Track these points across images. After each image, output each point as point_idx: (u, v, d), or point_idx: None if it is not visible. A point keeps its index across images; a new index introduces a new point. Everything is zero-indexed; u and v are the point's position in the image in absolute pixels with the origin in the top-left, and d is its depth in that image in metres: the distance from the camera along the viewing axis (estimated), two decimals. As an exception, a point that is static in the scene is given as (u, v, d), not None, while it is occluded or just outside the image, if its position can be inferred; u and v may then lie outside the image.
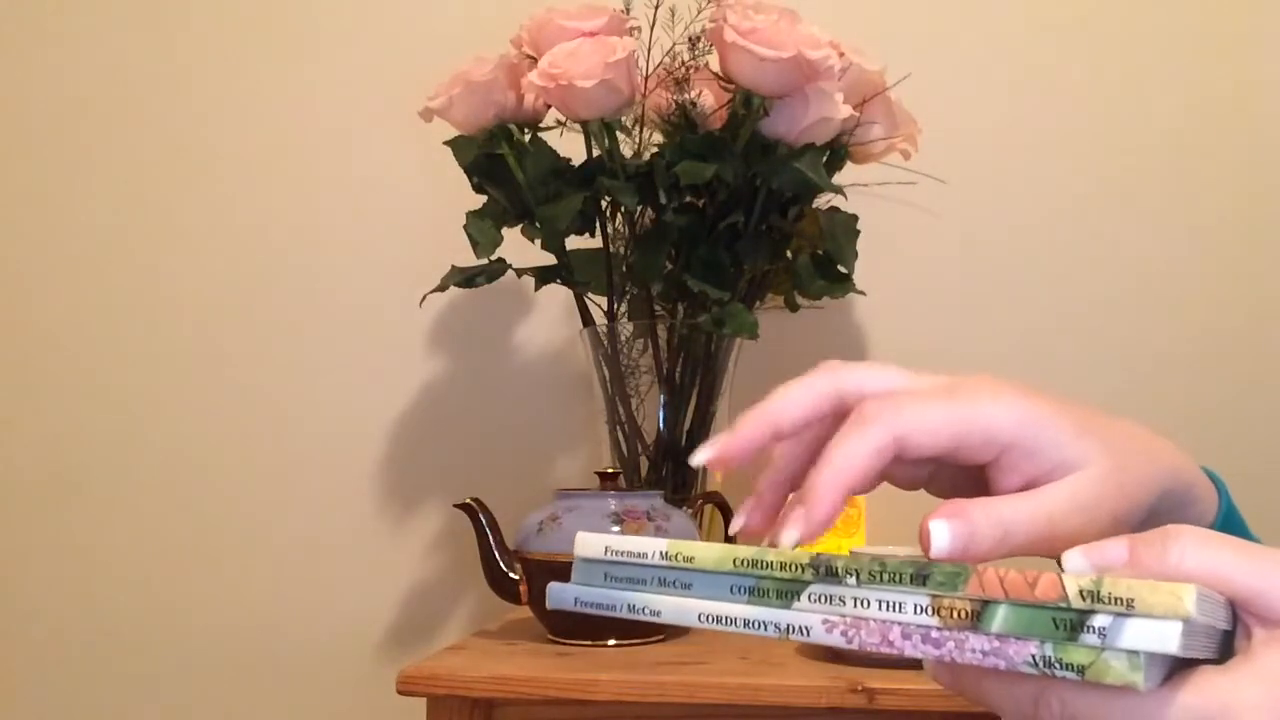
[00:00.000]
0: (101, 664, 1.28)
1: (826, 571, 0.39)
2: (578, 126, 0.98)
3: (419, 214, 1.25)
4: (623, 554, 0.43)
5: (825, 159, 0.98)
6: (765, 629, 0.39)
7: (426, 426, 1.26)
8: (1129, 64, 1.20)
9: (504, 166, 0.99)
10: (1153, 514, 0.43)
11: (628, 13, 0.98)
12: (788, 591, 0.39)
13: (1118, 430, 0.43)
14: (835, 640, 0.38)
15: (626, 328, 1.03)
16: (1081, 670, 0.34)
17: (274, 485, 1.27)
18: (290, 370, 1.28)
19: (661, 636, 0.93)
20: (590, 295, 1.04)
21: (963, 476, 0.44)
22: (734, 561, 0.40)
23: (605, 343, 1.03)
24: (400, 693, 0.82)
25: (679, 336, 1.02)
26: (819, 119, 0.93)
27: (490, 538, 0.92)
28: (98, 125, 1.32)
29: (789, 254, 1.03)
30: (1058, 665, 0.34)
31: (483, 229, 0.98)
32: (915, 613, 0.37)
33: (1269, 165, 1.18)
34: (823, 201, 1.03)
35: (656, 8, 0.99)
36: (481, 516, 0.93)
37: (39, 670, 1.30)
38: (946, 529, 0.39)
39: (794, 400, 0.44)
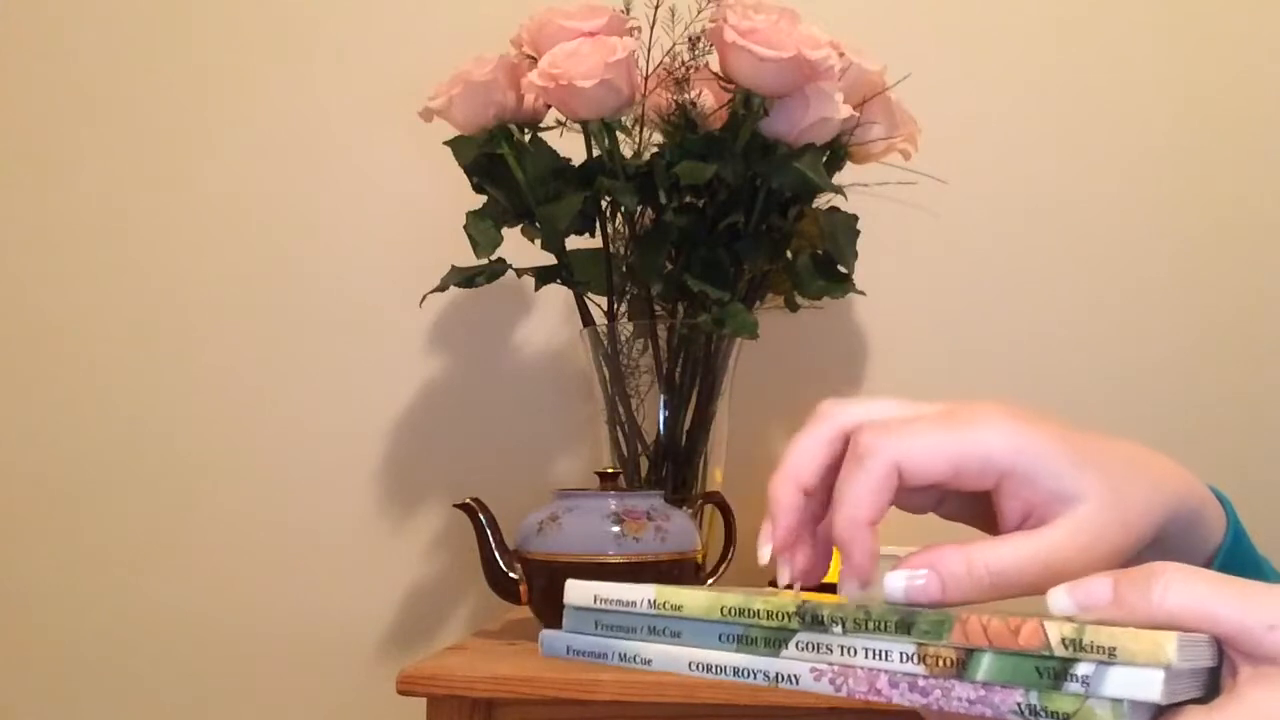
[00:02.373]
0: (101, 664, 1.28)
1: (813, 620, 0.39)
2: (578, 126, 0.98)
3: (419, 214, 1.25)
4: (612, 602, 0.43)
5: (825, 159, 0.98)
6: (755, 677, 0.40)
7: (426, 426, 1.26)
8: (1129, 64, 1.20)
9: (504, 166, 0.99)
10: (1160, 539, 0.43)
11: (628, 13, 0.98)
12: (775, 640, 0.40)
13: (1119, 456, 0.43)
14: (824, 689, 0.39)
15: (626, 328, 1.03)
16: (1066, 718, 0.34)
17: (274, 485, 1.27)
18: (290, 370, 1.28)
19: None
20: (590, 295, 1.04)
21: (972, 501, 0.45)
22: (721, 610, 0.41)
23: (605, 343, 1.03)
24: (400, 693, 0.82)
25: (679, 336, 1.02)
26: (819, 119, 0.93)
27: (490, 538, 0.92)
28: (98, 125, 1.32)
29: (789, 254, 1.03)
30: (1043, 713, 0.34)
31: (483, 229, 0.98)
32: (901, 661, 0.37)
33: (1270, 166, 1.18)
34: (823, 201, 1.03)
35: (656, 8, 0.99)
36: (481, 516, 0.93)
37: (38, 670, 1.29)
38: (904, 582, 0.40)
39: (808, 454, 0.44)
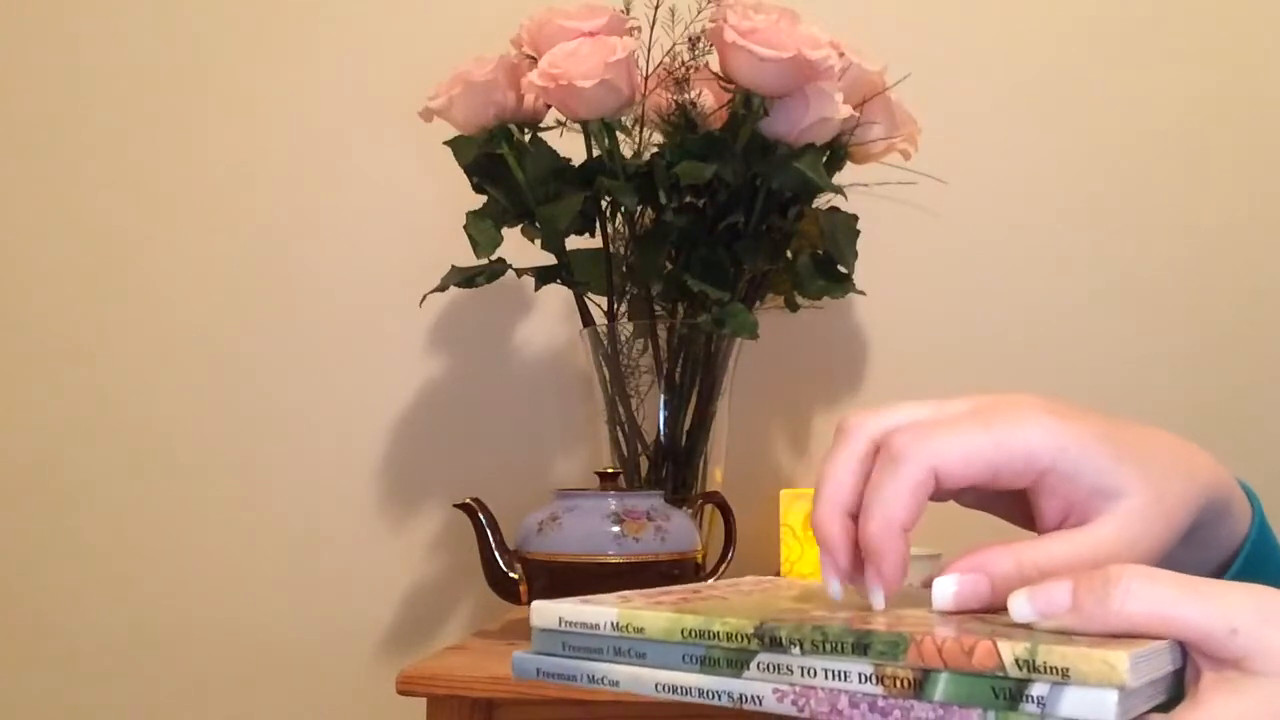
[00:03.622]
0: (101, 663, 1.28)
1: (771, 641, 0.39)
2: (578, 126, 0.98)
3: (419, 214, 1.25)
4: (576, 624, 0.44)
5: (825, 159, 0.98)
6: (720, 699, 0.40)
7: (426, 426, 1.26)
8: (1129, 64, 1.20)
9: (504, 166, 0.99)
10: (1190, 530, 0.43)
11: (628, 13, 0.98)
12: (736, 661, 0.39)
13: (1156, 449, 0.42)
14: (786, 709, 0.38)
15: (626, 328, 1.03)
16: None
17: (274, 485, 1.27)
18: (290, 370, 1.28)
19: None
20: (590, 295, 1.04)
21: (999, 494, 0.44)
22: (682, 632, 0.41)
23: (605, 343, 1.03)
24: (400, 693, 0.82)
25: (679, 336, 1.02)
26: (819, 119, 0.93)
27: (490, 538, 0.92)
28: (97, 125, 1.32)
29: (789, 254, 1.03)
30: None
31: (483, 229, 0.98)
32: (860, 681, 0.37)
33: (1271, 164, 1.18)
34: (823, 201, 1.03)
35: (656, 8, 0.99)
36: (481, 516, 0.93)
37: (38, 669, 1.29)
38: (954, 587, 0.40)
39: (843, 475, 0.43)
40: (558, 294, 1.10)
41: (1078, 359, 1.18)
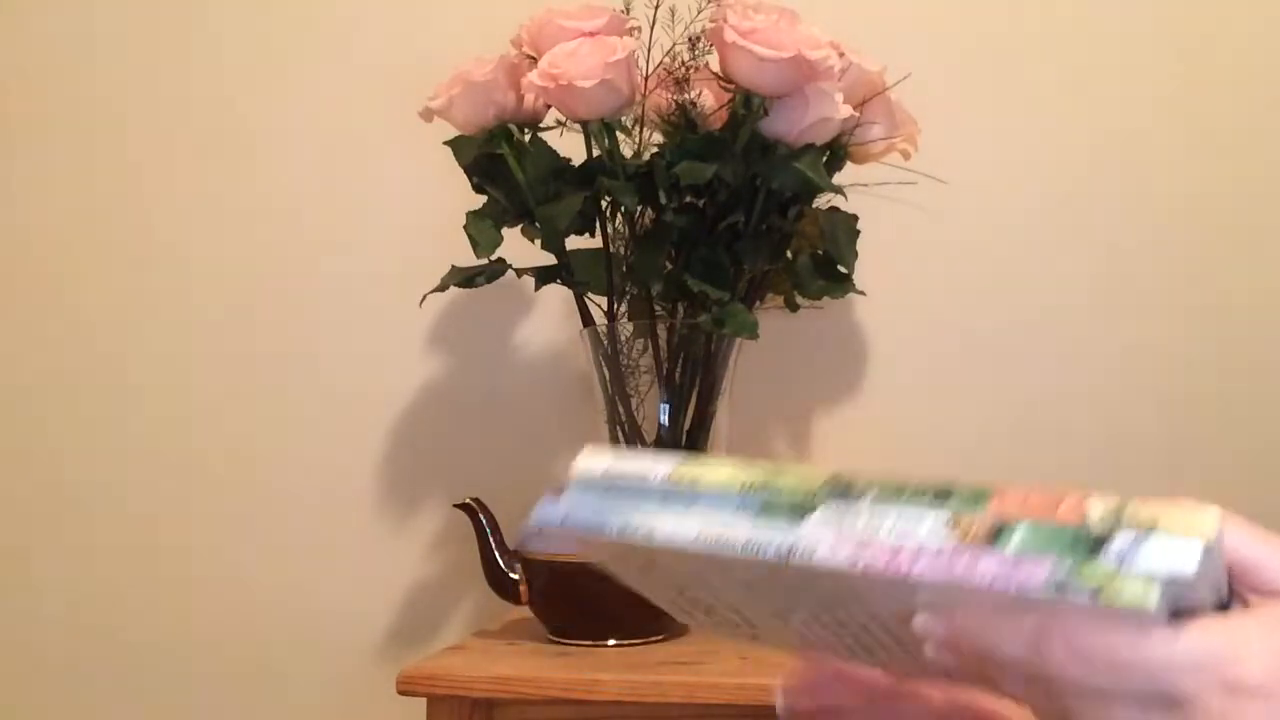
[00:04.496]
0: (100, 663, 1.28)
1: (844, 489, 0.37)
2: (578, 126, 0.98)
3: (419, 214, 1.25)
4: (624, 476, 0.41)
5: (825, 159, 0.98)
6: (765, 552, 0.37)
7: (426, 426, 1.26)
8: (1130, 64, 1.20)
9: (504, 166, 0.99)
10: None
11: (628, 13, 0.98)
12: (799, 508, 0.37)
13: None
14: (840, 562, 0.36)
15: (626, 328, 1.03)
16: (1096, 593, 0.33)
17: (274, 485, 1.27)
18: (290, 370, 1.28)
19: (662, 636, 0.93)
20: (590, 295, 1.04)
21: None
22: (741, 484, 0.39)
23: (605, 343, 1.03)
24: (400, 693, 0.82)
25: (679, 336, 1.02)
26: (819, 119, 0.93)
27: (490, 538, 0.92)
28: (97, 125, 1.32)
29: (789, 254, 1.03)
30: (1071, 588, 0.33)
31: (483, 229, 0.98)
32: (931, 529, 0.35)
33: (1273, 164, 1.18)
34: (823, 201, 1.03)
35: (656, 8, 0.99)
36: (481, 516, 0.93)
37: (37, 669, 1.29)
38: None
39: None
40: (558, 294, 1.10)
41: (1078, 359, 1.18)
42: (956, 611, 0.36)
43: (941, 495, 0.36)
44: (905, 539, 0.36)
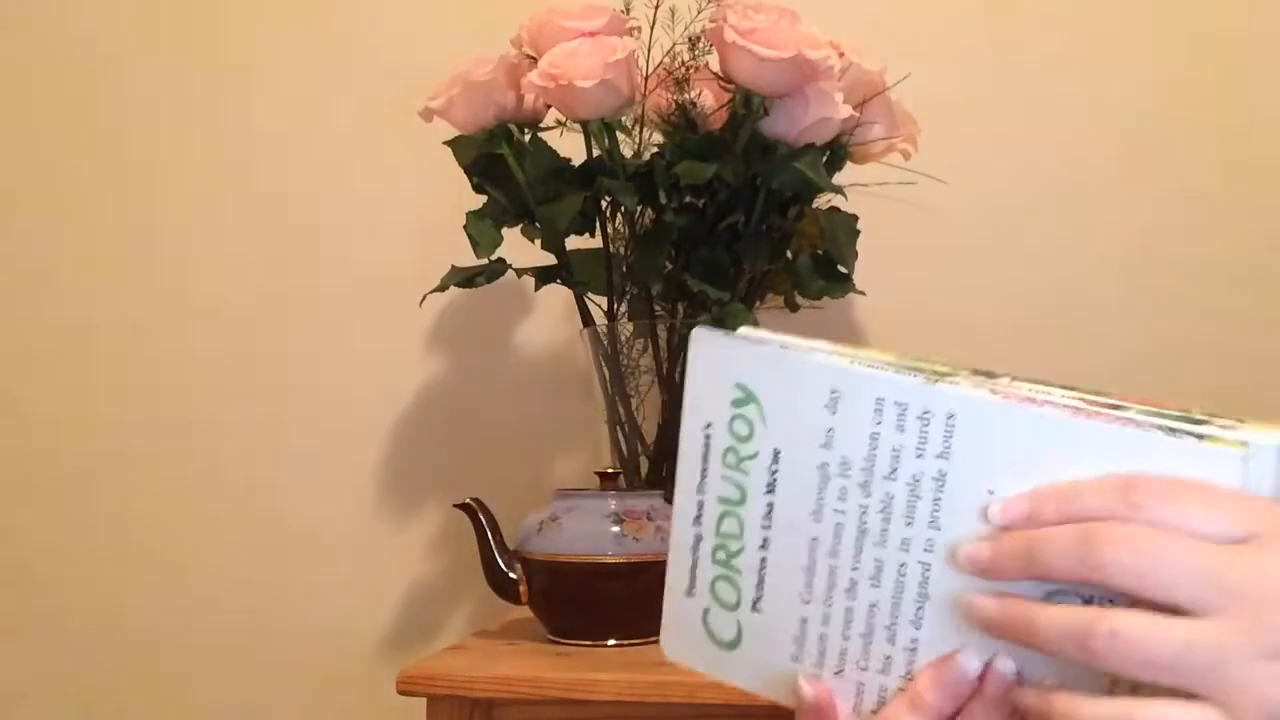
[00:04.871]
0: (100, 663, 1.28)
1: (985, 373, 0.46)
2: (578, 126, 0.98)
3: (419, 214, 1.25)
4: (791, 343, 0.50)
5: (825, 159, 0.98)
6: (914, 375, 0.45)
7: (426, 426, 1.26)
8: (1130, 64, 1.20)
9: (504, 166, 0.99)
10: None
11: (628, 13, 0.98)
12: (946, 376, 0.45)
13: None
14: (982, 394, 0.43)
15: (626, 328, 1.03)
16: (1200, 436, 0.41)
17: (274, 485, 1.27)
18: (290, 370, 1.28)
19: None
20: (590, 295, 1.04)
21: None
22: (893, 359, 0.47)
23: (605, 343, 1.03)
24: (400, 693, 0.82)
25: (679, 336, 1.02)
26: (819, 119, 0.93)
27: (490, 538, 0.92)
28: (96, 125, 1.32)
29: (789, 254, 1.03)
30: (1180, 431, 0.41)
31: (483, 229, 0.98)
32: (1061, 395, 0.44)
33: (1275, 164, 1.18)
34: (823, 201, 1.03)
35: (656, 8, 0.99)
36: (481, 516, 0.93)
37: (36, 669, 1.29)
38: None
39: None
40: (558, 294, 1.10)
41: (1078, 359, 1.18)
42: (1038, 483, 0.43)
43: (1069, 388, 0.45)
44: (1038, 393, 0.44)
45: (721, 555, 0.50)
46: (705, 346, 0.49)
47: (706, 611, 0.51)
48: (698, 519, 0.50)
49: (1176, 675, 0.38)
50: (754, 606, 0.50)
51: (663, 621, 0.53)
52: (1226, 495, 0.40)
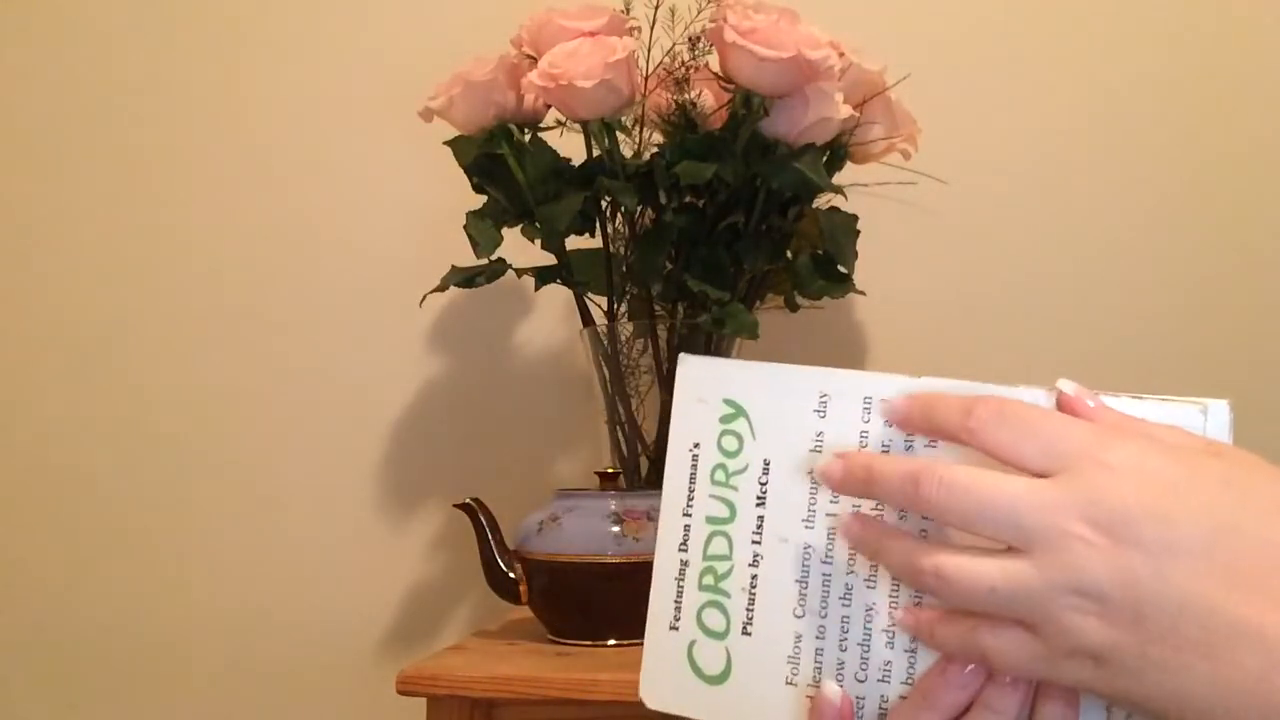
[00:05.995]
0: (101, 663, 1.28)
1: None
2: (578, 126, 0.98)
3: (419, 214, 1.25)
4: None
5: (825, 159, 0.98)
6: (895, 375, 0.48)
7: (426, 426, 1.26)
8: (1130, 63, 1.20)
9: (504, 166, 0.99)
10: None
11: (628, 13, 0.98)
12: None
13: None
14: (964, 382, 0.48)
15: (626, 328, 1.03)
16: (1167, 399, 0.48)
17: (273, 485, 1.27)
18: (289, 370, 1.28)
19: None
20: (590, 295, 1.04)
21: None
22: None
23: (605, 343, 1.03)
24: (400, 693, 0.82)
25: (679, 336, 1.02)
26: (819, 119, 0.93)
27: (490, 538, 0.92)
28: (95, 125, 1.32)
29: (789, 254, 1.03)
30: (1146, 399, 0.49)
31: (483, 229, 0.98)
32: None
33: (1274, 169, 1.18)
34: (823, 201, 1.03)
35: (656, 8, 0.99)
36: (481, 516, 0.93)
37: (36, 669, 1.30)
38: None
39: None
40: (558, 294, 1.10)
41: (1079, 359, 1.18)
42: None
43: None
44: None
45: (709, 579, 0.49)
46: (693, 369, 0.51)
47: (692, 644, 0.50)
48: (683, 544, 0.50)
49: (998, 527, 0.43)
50: (744, 630, 0.49)
51: (643, 666, 0.51)
52: (1049, 423, 0.45)
